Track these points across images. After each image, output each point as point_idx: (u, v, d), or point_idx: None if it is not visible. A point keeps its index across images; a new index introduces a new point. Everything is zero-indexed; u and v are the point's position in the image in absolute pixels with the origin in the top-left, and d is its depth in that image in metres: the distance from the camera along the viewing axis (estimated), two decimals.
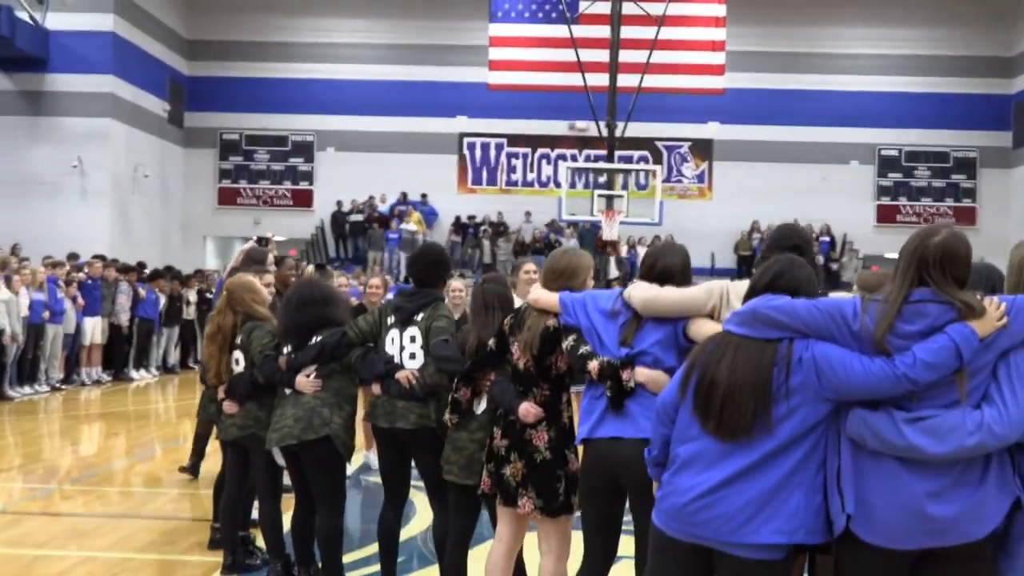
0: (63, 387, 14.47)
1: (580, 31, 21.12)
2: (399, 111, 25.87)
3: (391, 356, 4.89)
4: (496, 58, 22.79)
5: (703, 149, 26.69)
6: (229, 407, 5.45)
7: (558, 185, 23.85)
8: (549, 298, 4.16)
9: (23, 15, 20.58)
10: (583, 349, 3.90)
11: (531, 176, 26.49)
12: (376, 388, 4.93)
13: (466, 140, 26.47)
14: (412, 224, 24.72)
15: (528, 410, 4.13)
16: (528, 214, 25.25)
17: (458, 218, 25.59)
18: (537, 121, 25.87)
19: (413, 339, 4.88)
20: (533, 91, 23.04)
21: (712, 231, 25.25)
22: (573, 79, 20.73)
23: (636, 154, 25.87)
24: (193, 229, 26.01)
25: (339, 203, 25.49)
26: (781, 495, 2.97)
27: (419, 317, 4.87)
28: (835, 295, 3.35)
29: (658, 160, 26.19)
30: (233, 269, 7.06)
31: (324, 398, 5.01)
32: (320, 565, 5.21)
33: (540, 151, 26.41)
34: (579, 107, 21.75)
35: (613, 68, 19.38)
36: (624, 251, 23.67)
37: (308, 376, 5.05)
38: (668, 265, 3.92)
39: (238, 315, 5.53)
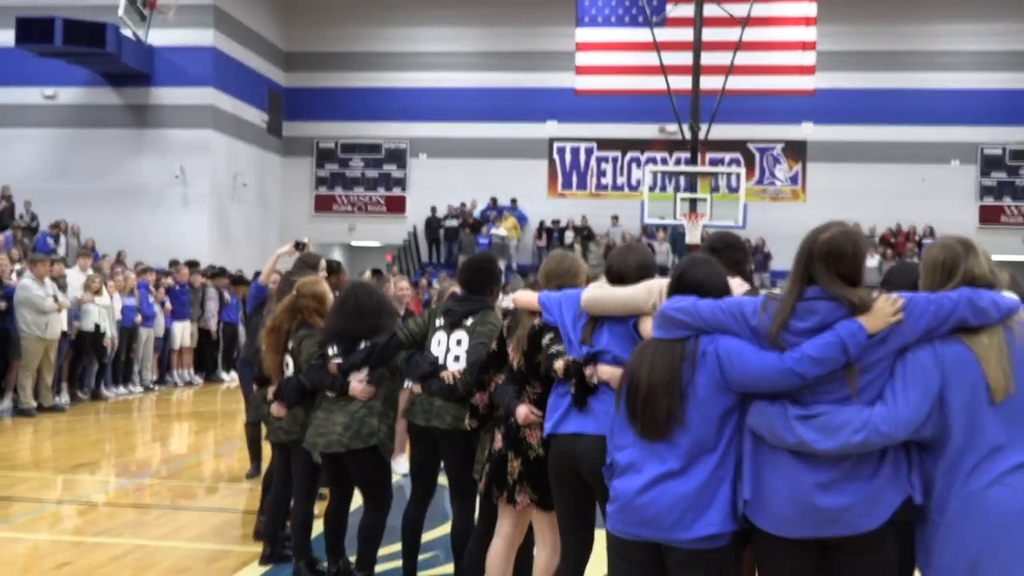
0: (156, 388, 15.15)
1: (666, 34, 21.05)
2: (490, 117, 26.18)
3: (436, 357, 5.02)
4: (583, 63, 22.86)
5: (797, 150, 26.25)
6: (277, 410, 5.64)
7: (651, 189, 23.79)
8: (530, 298, 4.29)
9: (128, 32, 21.53)
10: (553, 348, 4.03)
11: (620, 180, 26.48)
12: (417, 387, 5.08)
13: (556, 145, 26.61)
14: (503, 229, 25.00)
15: (522, 413, 4.25)
16: (615, 218, 25.24)
17: (542, 223, 25.75)
18: (627, 125, 25.82)
19: (459, 342, 4.99)
20: (622, 95, 23.06)
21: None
22: (659, 82, 20.64)
23: (727, 156, 25.64)
24: (291, 235, 26.60)
25: (434, 208, 25.91)
26: (710, 490, 3.10)
27: (469, 322, 4.98)
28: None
29: (750, 162, 25.92)
30: (286, 273, 7.36)
31: (373, 406, 5.16)
32: (356, 557, 5.40)
33: (630, 155, 26.36)
34: (669, 110, 21.67)
35: (696, 71, 19.27)
36: None
37: (361, 382, 5.22)
38: (623, 265, 4.00)
39: (296, 319, 5.72)
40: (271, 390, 5.77)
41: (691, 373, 3.11)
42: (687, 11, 20.47)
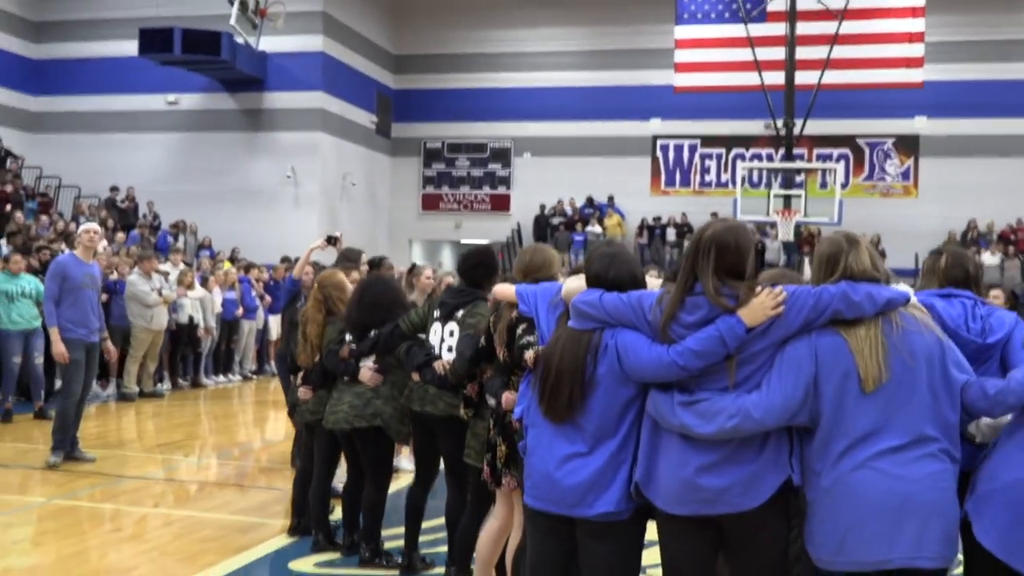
0: (255, 377, 15.95)
1: (766, 29, 20.88)
2: (593, 115, 26.35)
3: (432, 347, 5.36)
4: (682, 60, 22.88)
5: (909, 145, 25.51)
6: (303, 393, 6.11)
7: (753, 185, 23.63)
8: (507, 290, 4.53)
9: (242, 40, 22.58)
10: (524, 339, 4.23)
11: (724, 177, 26.25)
12: (415, 375, 5.43)
13: (659, 142, 26.59)
14: (601, 227, 25.17)
15: (506, 398, 4.51)
16: (715, 214, 25.01)
17: (643, 220, 25.79)
18: (732, 121, 25.58)
19: (452, 333, 5.24)
20: (725, 92, 22.94)
21: (918, 231, 24.04)
22: (762, 78, 20.48)
23: (836, 152, 25.15)
24: (400, 233, 27.55)
25: (542, 207, 26.23)
26: (610, 471, 3.32)
27: (459, 314, 5.24)
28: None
29: (859, 158, 25.36)
30: (322, 267, 7.81)
31: (380, 390, 5.56)
32: (362, 530, 5.81)
33: (735, 151, 26.10)
34: (775, 106, 21.50)
35: (791, 65, 19.06)
36: None
37: (370, 369, 5.62)
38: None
39: (323, 309, 6.12)
40: (300, 376, 6.24)
41: (593, 365, 3.33)
42: (788, 5, 20.25)
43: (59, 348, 8.20)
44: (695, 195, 26.24)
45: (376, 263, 8.17)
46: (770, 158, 24.67)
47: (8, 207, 18.79)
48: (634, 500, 3.31)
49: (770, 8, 21.44)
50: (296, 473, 6.61)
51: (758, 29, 20.23)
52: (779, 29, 20.57)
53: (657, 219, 25.80)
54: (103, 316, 9.00)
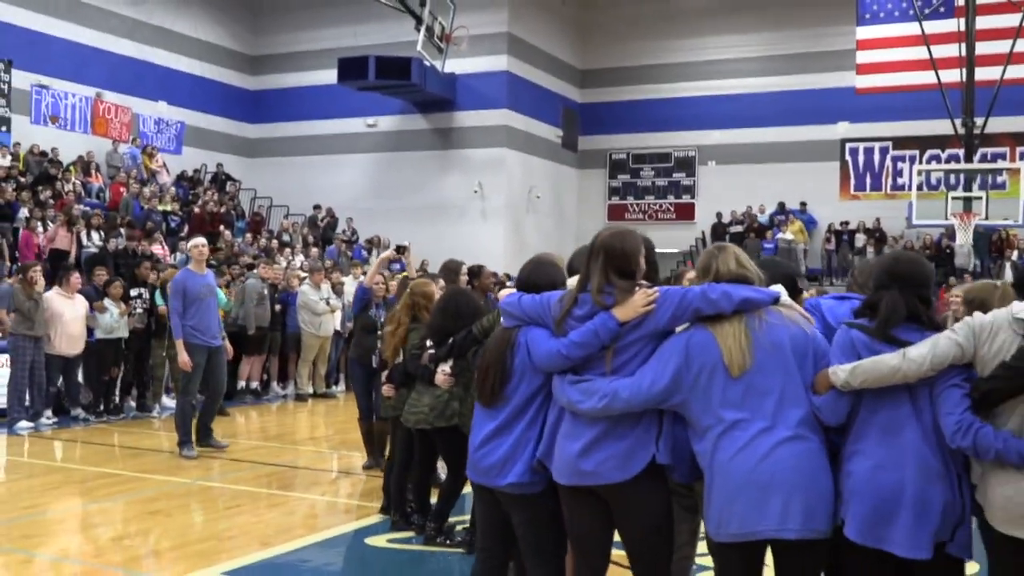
0: None
1: (947, 25, 20.16)
2: (778, 121, 26.08)
3: None
4: (864, 62, 22.38)
5: None
6: (387, 390, 6.91)
7: (949, 187, 22.74)
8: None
9: (429, 64, 23.96)
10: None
11: (918, 179, 25.26)
12: None
13: (848, 146, 25.96)
14: (789, 233, 24.88)
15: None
16: (908, 219, 24.17)
17: (831, 226, 25.25)
18: (925, 122, 24.64)
19: None
20: (909, 92, 22.25)
21: None
22: (947, 76, 19.80)
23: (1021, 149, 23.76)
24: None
25: (719, 215, 26.28)
26: (520, 448, 3.89)
27: None
28: None
29: None
30: (430, 276, 8.57)
31: (454, 391, 6.23)
32: (434, 511, 6.51)
33: (929, 152, 25.12)
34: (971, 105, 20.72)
35: (970, 63, 18.33)
36: (1015, 255, 21.96)
37: (444, 373, 6.32)
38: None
39: (410, 314, 6.90)
40: (384, 374, 7.02)
41: (511, 358, 3.90)
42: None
43: (183, 358, 9.30)
44: (887, 199, 25.43)
45: (476, 272, 8.85)
46: (957, 159, 23.63)
47: (221, 226, 20.85)
48: (542, 474, 3.82)
49: (959, 3, 20.63)
50: (386, 462, 7.38)
51: (940, 26, 19.53)
52: (962, 25, 19.78)
53: (845, 224, 25.22)
54: (221, 323, 10.04)
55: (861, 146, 25.85)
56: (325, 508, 7.50)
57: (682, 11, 26.94)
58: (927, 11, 19.70)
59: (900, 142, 25.39)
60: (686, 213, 27.55)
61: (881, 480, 3.37)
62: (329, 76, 24.53)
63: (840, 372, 3.38)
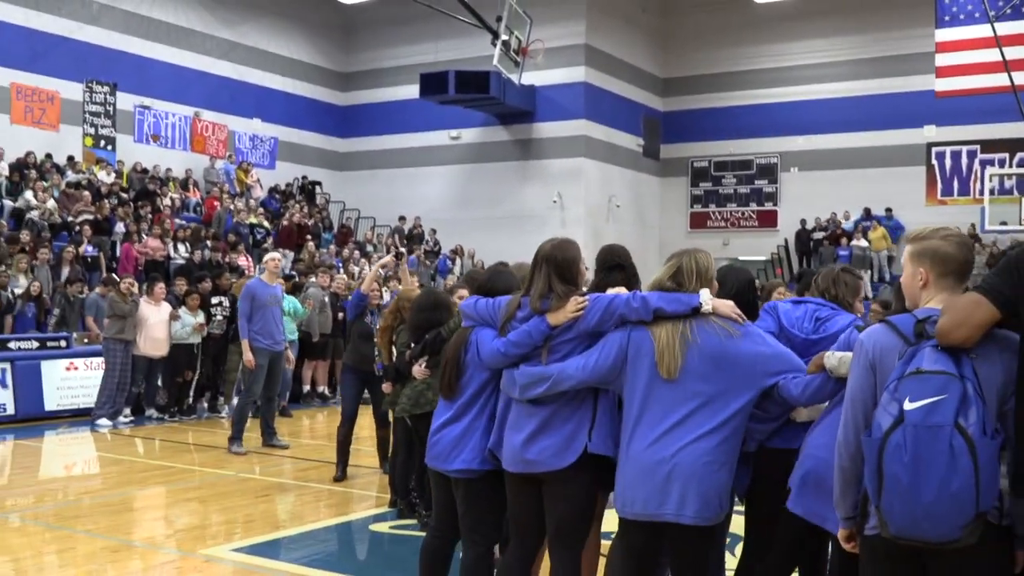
0: None
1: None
2: (861, 127, 25.83)
3: None
4: (943, 64, 22.05)
5: None
6: (385, 387, 7.50)
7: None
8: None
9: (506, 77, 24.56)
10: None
11: (1009, 183, 24.69)
12: None
13: (934, 150, 25.51)
14: (864, 240, 24.63)
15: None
16: (1005, 223, 23.63)
17: None
18: (1015, 124, 24.03)
19: None
20: (989, 94, 21.82)
21: None
22: (1012, 78, 19.43)
23: None
24: (669, 252, 27.31)
25: (803, 221, 26.15)
26: (466, 437, 4.37)
27: None
28: None
29: None
30: (406, 280, 9.13)
31: (431, 383, 6.77)
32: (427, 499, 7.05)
33: (1020, 155, 24.49)
34: None
35: None
36: None
37: (421, 366, 6.89)
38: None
39: (398, 318, 7.50)
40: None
41: (464, 354, 4.36)
42: None
43: (248, 356, 10.06)
44: (975, 203, 24.86)
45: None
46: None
47: (307, 237, 21.84)
48: (488, 463, 4.27)
49: None
50: (390, 455, 7.94)
51: (1014, 27, 19.17)
52: None
53: None
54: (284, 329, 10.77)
55: (948, 150, 25.37)
56: (345, 499, 8.09)
57: (763, 17, 26.91)
58: (999, 13, 19.32)
59: (989, 145, 24.81)
60: (768, 220, 27.47)
61: (823, 460, 3.62)
62: (413, 91, 25.30)
63: (832, 357, 3.62)
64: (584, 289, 4.20)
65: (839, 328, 4.13)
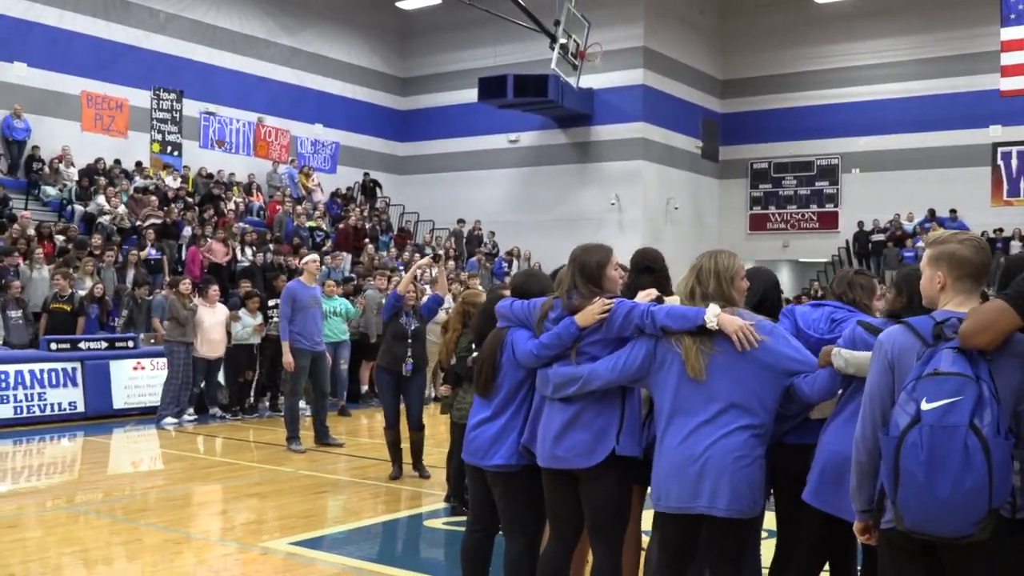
0: None
1: None
2: (924, 126, 25.50)
3: None
4: (1009, 63, 21.68)
5: None
6: (444, 390, 7.67)
7: None
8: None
9: (570, 80, 24.68)
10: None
11: None
12: None
13: (1000, 150, 25.06)
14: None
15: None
16: None
17: (984, 233, 24.36)
18: None
19: None
20: None
21: None
22: None
23: None
24: None
25: (860, 223, 25.86)
26: (505, 434, 4.52)
27: None
28: None
29: None
30: (442, 283, 9.27)
31: None
32: None
33: None
34: None
35: None
36: None
37: None
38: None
39: (463, 321, 7.64)
40: (442, 375, 7.75)
41: (500, 354, 4.51)
42: None
43: (288, 358, 10.29)
44: None
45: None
46: None
47: (365, 240, 22.17)
48: (524, 458, 4.42)
49: None
50: (447, 456, 8.09)
51: None
52: None
53: (998, 231, 24.34)
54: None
55: (1014, 150, 24.92)
56: (400, 496, 8.27)
57: (822, 18, 26.68)
58: None
59: None
60: (829, 222, 27.21)
61: (837, 453, 3.78)
62: (472, 95, 25.54)
63: (838, 356, 3.75)
64: (618, 291, 4.33)
65: (844, 328, 4.20)
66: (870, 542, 3.20)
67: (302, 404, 11.62)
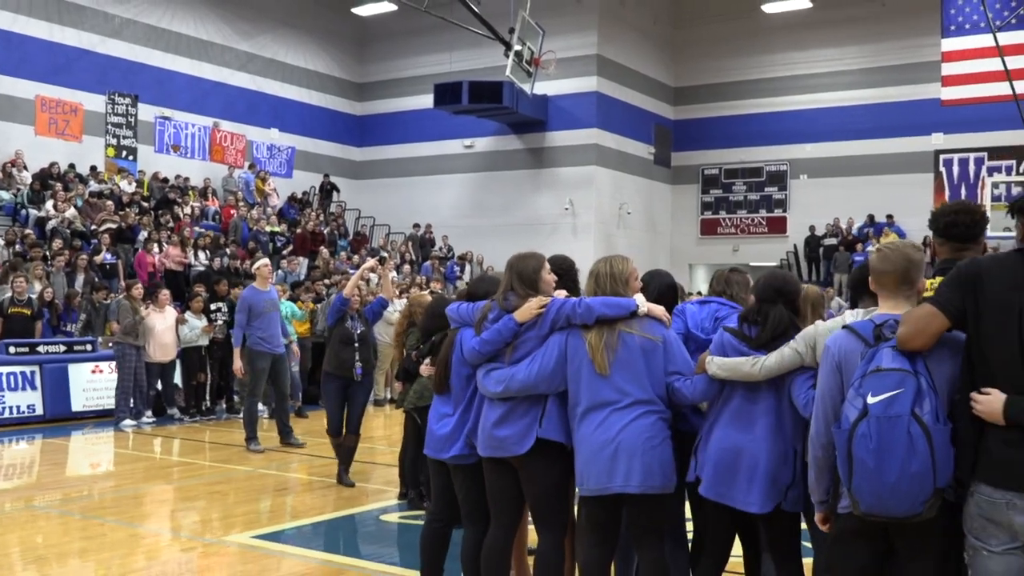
0: None
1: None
2: (870, 134, 26.16)
3: None
4: (949, 73, 22.36)
5: None
6: (398, 386, 7.94)
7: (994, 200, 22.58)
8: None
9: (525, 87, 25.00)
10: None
11: (1016, 190, 24.93)
12: None
13: (942, 157, 25.81)
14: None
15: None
16: (1008, 229, 23.86)
17: (926, 238, 25.06)
18: (1022, 131, 24.36)
19: None
20: (994, 103, 22.12)
21: None
22: (1013, 88, 19.75)
23: None
24: (680, 258, 28.75)
25: (812, 228, 26.46)
26: (458, 427, 4.85)
27: None
28: None
29: None
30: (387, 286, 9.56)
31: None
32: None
33: None
34: None
35: None
36: None
37: (427, 365, 7.32)
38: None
39: (407, 321, 7.94)
40: (394, 372, 8.03)
41: (452, 353, 4.82)
42: None
43: (237, 364, 10.53)
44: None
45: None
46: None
47: (321, 246, 22.33)
48: (472, 450, 4.71)
49: None
50: (400, 450, 8.35)
51: (1016, 37, 19.49)
52: None
53: None
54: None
55: (956, 157, 25.67)
56: (358, 493, 8.51)
57: (771, 28, 27.28)
58: (1003, 23, 19.63)
59: (996, 152, 25.12)
60: (778, 227, 27.80)
61: (725, 450, 4.20)
62: (428, 101, 25.81)
63: (711, 364, 4.23)
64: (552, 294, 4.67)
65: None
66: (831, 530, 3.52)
67: (260, 406, 11.77)
